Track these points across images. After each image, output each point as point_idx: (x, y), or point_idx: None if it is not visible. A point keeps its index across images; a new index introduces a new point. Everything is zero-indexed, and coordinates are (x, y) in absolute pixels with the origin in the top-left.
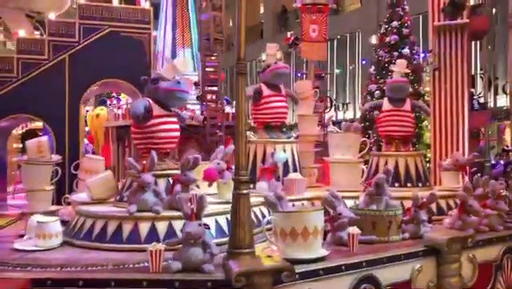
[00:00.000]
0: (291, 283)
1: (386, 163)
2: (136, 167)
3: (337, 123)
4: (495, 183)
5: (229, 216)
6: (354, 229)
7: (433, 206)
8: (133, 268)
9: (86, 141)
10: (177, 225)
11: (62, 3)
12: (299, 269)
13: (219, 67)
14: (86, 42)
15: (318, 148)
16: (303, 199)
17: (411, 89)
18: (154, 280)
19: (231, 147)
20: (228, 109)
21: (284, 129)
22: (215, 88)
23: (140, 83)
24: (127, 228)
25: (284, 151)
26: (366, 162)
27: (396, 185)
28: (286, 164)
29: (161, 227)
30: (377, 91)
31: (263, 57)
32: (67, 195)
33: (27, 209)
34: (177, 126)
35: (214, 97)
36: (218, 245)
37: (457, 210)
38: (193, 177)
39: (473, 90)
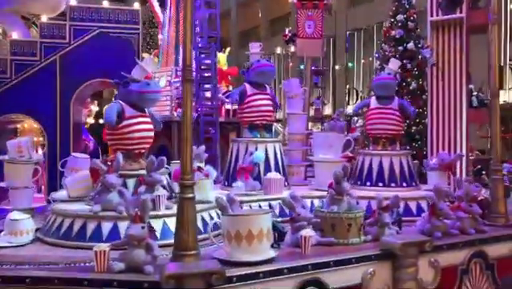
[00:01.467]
0: (228, 286)
1: (371, 162)
2: (102, 168)
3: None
4: (468, 185)
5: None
6: (307, 232)
7: (413, 207)
8: (82, 267)
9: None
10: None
11: (56, 6)
12: (239, 272)
13: (214, 65)
14: (76, 43)
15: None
16: (277, 199)
17: (414, 84)
18: (94, 280)
19: (202, 147)
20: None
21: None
22: (209, 86)
23: None
24: (91, 227)
25: (266, 150)
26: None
27: (380, 184)
28: (267, 163)
29: (123, 227)
30: None
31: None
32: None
33: (8, 206)
34: (151, 126)
35: (209, 95)
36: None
37: (428, 213)
38: (159, 178)
39: (471, 86)
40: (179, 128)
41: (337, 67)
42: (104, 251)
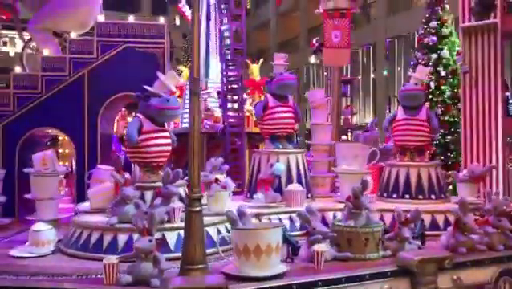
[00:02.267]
0: None
1: (397, 174)
2: (119, 180)
3: None
4: (497, 198)
5: (220, 226)
6: (320, 246)
7: (441, 220)
8: (92, 279)
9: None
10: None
11: (86, 22)
12: (246, 287)
13: (240, 77)
14: (103, 59)
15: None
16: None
17: (449, 92)
18: None
19: (220, 159)
20: None
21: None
22: (236, 97)
23: None
24: (107, 238)
25: (288, 161)
26: None
27: (407, 197)
28: (289, 174)
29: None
30: None
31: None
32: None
33: (35, 217)
34: (168, 141)
35: (235, 106)
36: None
37: (452, 228)
38: (174, 190)
39: (508, 94)
40: (207, 140)
41: (372, 76)
42: (113, 264)
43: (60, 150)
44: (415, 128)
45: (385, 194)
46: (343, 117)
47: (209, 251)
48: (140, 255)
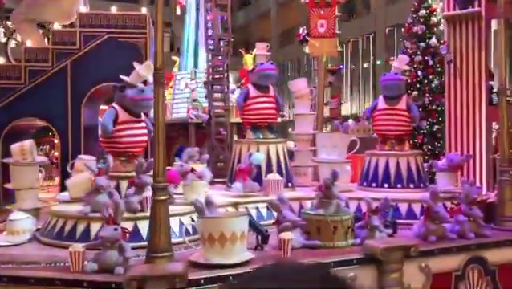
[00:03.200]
0: None
1: (377, 163)
2: (93, 170)
3: None
4: (468, 187)
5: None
6: (287, 234)
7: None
8: (60, 267)
9: None
10: (127, 225)
11: (70, 13)
12: (209, 274)
13: (225, 67)
14: (86, 49)
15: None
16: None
17: (437, 81)
18: (64, 279)
19: (195, 149)
20: None
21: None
22: (219, 87)
23: None
24: (80, 227)
25: (268, 151)
26: None
27: (386, 186)
28: (269, 164)
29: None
30: None
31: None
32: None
33: (14, 207)
34: (144, 131)
35: (221, 96)
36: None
37: (423, 216)
38: (148, 180)
39: (492, 83)
40: (196, 130)
41: (365, 66)
42: (79, 252)
43: (56, 140)
44: (395, 117)
45: (365, 183)
46: (329, 107)
47: (181, 240)
48: (105, 244)
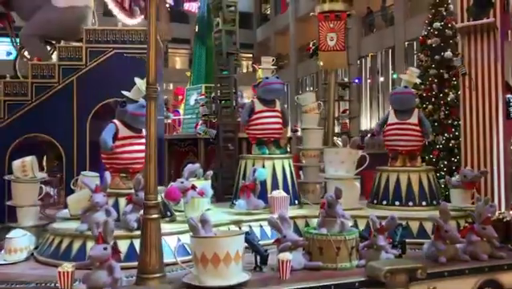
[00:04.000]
0: None
1: (387, 180)
2: (90, 187)
3: None
4: (481, 205)
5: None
6: (285, 255)
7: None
8: (49, 287)
9: None
10: (123, 244)
11: (77, 32)
12: None
13: (233, 81)
14: (92, 65)
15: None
16: None
17: (452, 95)
18: None
19: (197, 165)
20: None
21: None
22: (228, 103)
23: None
24: (76, 246)
25: (273, 167)
26: None
27: (397, 203)
28: (275, 180)
29: None
30: (416, 99)
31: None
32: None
33: (15, 224)
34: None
35: (228, 112)
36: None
37: (433, 236)
38: None
39: (509, 96)
40: (205, 145)
41: (381, 79)
42: (68, 272)
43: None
44: (406, 132)
45: (375, 201)
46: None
47: (179, 260)
48: (94, 263)
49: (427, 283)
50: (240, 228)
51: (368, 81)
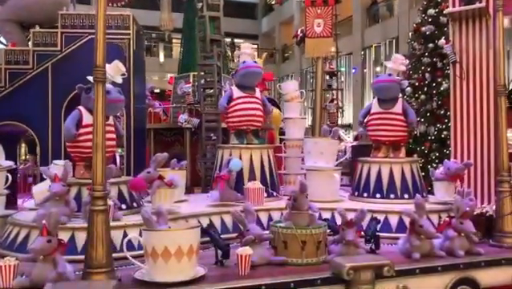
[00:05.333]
0: None
1: (369, 171)
2: (49, 176)
3: None
4: (459, 198)
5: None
6: (244, 250)
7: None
8: None
9: None
10: (81, 235)
11: (55, 17)
12: None
13: (216, 69)
14: (67, 51)
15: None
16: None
17: (446, 84)
18: None
19: (164, 154)
20: None
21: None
22: (212, 91)
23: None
24: (33, 237)
25: (250, 157)
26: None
27: (378, 196)
28: (252, 171)
29: (64, 237)
30: (408, 88)
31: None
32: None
33: None
34: (112, 135)
35: (211, 100)
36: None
37: (408, 231)
38: (107, 188)
39: None
40: (190, 135)
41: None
42: (9, 265)
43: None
44: (390, 122)
45: (356, 193)
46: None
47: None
48: (37, 257)
49: (396, 281)
50: (210, 221)
51: (372, 71)
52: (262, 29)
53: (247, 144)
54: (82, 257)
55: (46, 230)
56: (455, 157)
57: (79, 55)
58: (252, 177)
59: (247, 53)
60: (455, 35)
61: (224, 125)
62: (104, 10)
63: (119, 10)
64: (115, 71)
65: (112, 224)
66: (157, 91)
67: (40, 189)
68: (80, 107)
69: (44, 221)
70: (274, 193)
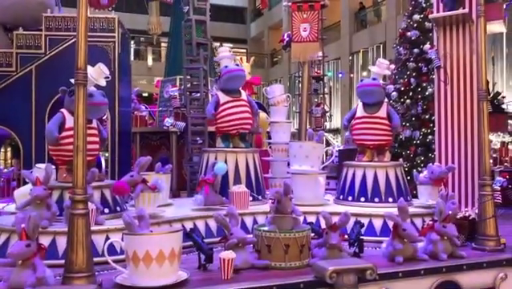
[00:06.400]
0: None
1: (354, 175)
2: (31, 179)
3: None
4: (442, 202)
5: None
6: (227, 254)
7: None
8: None
9: None
10: (62, 240)
11: (38, 19)
12: None
13: (202, 73)
14: (52, 53)
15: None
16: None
17: (431, 89)
18: None
19: (148, 158)
20: None
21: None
22: (198, 95)
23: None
24: (13, 241)
25: (236, 161)
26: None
27: (362, 200)
28: (237, 175)
29: (46, 241)
30: (394, 93)
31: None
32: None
33: None
34: (95, 139)
35: (197, 104)
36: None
37: (391, 234)
38: (90, 192)
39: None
40: (177, 139)
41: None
42: None
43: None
44: (374, 126)
45: (341, 196)
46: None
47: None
48: (16, 261)
49: (379, 284)
50: (194, 225)
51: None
52: (250, 33)
53: (233, 147)
54: (63, 261)
55: (25, 234)
56: (439, 161)
57: (63, 58)
58: (237, 181)
59: (227, 57)
60: (439, 40)
61: (210, 129)
62: (86, 11)
63: (105, 13)
64: (98, 73)
65: (94, 228)
66: (145, 94)
67: (22, 193)
68: (63, 110)
69: (23, 225)
70: (260, 197)
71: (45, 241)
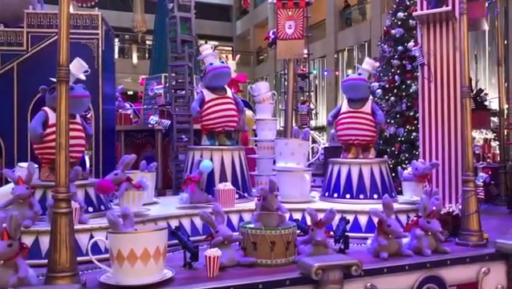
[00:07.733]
0: None
1: (339, 172)
2: (13, 178)
3: None
4: (426, 197)
5: None
6: (212, 251)
7: None
8: None
9: None
10: (45, 239)
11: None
12: None
13: (187, 70)
14: (34, 51)
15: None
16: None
17: (415, 87)
18: None
19: (132, 156)
20: None
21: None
22: (183, 93)
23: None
24: None
25: (222, 159)
26: None
27: (348, 196)
28: (223, 172)
29: (28, 241)
30: (378, 90)
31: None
32: None
33: None
34: (79, 134)
35: (182, 101)
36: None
37: (376, 230)
38: (73, 190)
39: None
40: (162, 137)
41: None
42: None
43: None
44: (359, 121)
45: (326, 193)
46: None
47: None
48: None
49: (364, 280)
50: (180, 223)
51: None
52: (236, 31)
53: (219, 145)
54: (46, 261)
55: (6, 234)
56: (423, 158)
57: (45, 56)
58: (223, 179)
59: (210, 54)
60: (423, 38)
61: (196, 127)
62: (68, 7)
63: (88, 10)
64: (77, 68)
65: (78, 227)
66: (130, 92)
67: (4, 192)
68: (46, 108)
69: (4, 225)
70: (246, 195)
71: (28, 240)
